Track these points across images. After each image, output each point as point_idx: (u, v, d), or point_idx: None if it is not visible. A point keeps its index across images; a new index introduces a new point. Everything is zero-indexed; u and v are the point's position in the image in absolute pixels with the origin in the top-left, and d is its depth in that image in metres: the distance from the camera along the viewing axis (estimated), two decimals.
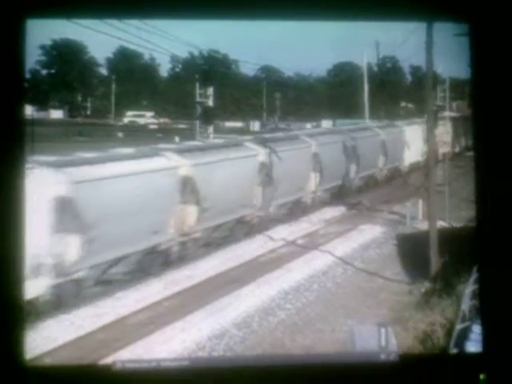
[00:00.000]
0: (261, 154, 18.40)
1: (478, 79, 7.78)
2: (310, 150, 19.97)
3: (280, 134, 21.79)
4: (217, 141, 19.44)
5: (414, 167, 22.38)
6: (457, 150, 22.57)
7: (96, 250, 12.57)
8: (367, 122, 26.30)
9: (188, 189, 15.31)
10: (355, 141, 21.93)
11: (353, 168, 21.50)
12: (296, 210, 19.50)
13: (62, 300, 12.28)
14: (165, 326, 12.50)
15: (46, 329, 11.79)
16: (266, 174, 18.08)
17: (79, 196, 12.35)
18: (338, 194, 21.27)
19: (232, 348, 12.04)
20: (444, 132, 21.28)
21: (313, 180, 19.90)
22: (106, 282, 13.24)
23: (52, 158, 13.17)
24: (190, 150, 16.55)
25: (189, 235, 15.38)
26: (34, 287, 11.28)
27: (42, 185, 11.66)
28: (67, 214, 12.16)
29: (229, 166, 16.75)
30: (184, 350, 11.74)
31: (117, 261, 13.33)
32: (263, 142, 18.84)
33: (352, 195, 21.36)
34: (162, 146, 16.88)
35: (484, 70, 7.75)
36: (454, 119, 23.09)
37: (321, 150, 20.11)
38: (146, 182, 14.05)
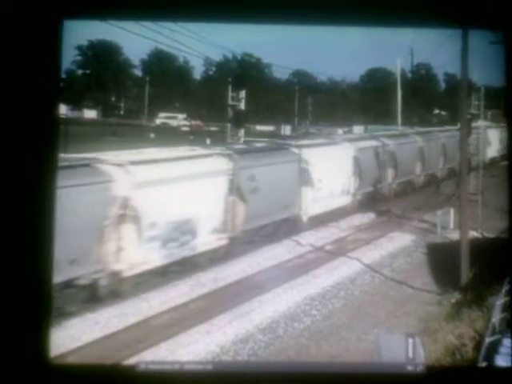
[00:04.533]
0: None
1: None
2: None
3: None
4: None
5: (493, 160, 23.84)
6: None
7: (361, 185, 21.52)
8: (400, 127, 26.57)
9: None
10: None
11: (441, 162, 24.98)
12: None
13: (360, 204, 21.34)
14: (189, 328, 12.49)
15: (71, 327, 11.88)
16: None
17: (359, 157, 21.29)
18: (375, 198, 22.62)
19: (256, 353, 11.96)
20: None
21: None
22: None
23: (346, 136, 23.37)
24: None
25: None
26: (344, 200, 20.74)
27: (347, 150, 21.13)
28: (356, 166, 21.22)
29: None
30: (208, 353, 11.70)
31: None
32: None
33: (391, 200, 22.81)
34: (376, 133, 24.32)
35: None
36: None
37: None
38: (372, 152, 22.35)
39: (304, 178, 18.37)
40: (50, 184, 7.31)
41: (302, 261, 17.00)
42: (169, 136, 27.25)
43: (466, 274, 15.04)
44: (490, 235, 17.49)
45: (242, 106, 23.21)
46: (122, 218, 12.95)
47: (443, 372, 8.39)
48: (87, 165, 13.17)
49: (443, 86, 30.21)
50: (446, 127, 27.33)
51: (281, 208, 17.45)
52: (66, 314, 11.72)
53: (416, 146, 24.53)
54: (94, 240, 12.35)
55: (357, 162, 21.14)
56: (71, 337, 11.37)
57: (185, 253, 14.36)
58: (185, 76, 31.15)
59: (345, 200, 20.45)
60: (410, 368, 8.19)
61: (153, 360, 10.14)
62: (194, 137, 27.77)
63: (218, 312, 13.20)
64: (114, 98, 32.16)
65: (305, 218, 18.40)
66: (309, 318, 13.52)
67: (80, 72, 29.88)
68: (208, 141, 25.33)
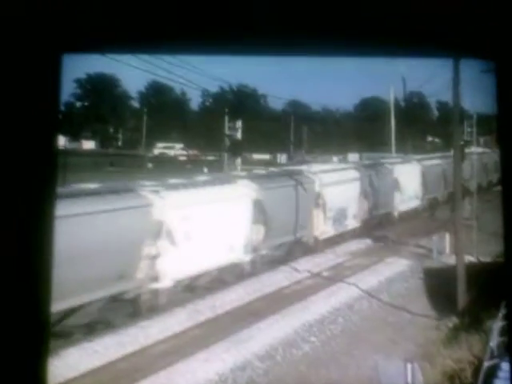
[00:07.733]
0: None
1: (505, 115, 7.77)
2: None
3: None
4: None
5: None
6: None
7: (426, 192, 28.00)
8: (393, 155, 27.29)
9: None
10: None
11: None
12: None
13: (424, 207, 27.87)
14: (188, 356, 12.40)
15: (69, 356, 11.79)
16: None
17: (425, 171, 27.75)
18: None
19: (255, 380, 11.87)
20: None
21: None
22: None
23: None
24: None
25: None
26: (416, 202, 27.91)
27: (417, 166, 27.61)
28: (423, 178, 27.50)
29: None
30: (207, 381, 11.61)
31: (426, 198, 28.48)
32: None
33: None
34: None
35: (510, 106, 7.74)
36: None
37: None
38: (434, 169, 28.24)
39: (395, 185, 25.62)
40: (49, 215, 7.40)
41: (300, 287, 16.99)
42: (166, 165, 27.41)
43: (462, 298, 15.05)
44: (485, 259, 17.52)
45: (239, 135, 23.44)
46: (317, 205, 21.27)
47: None
48: (301, 173, 21.73)
49: (436, 113, 30.63)
50: (441, 153, 27.71)
51: (384, 205, 25.01)
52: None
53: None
54: (307, 216, 20.69)
55: (424, 175, 27.37)
56: (69, 366, 11.28)
57: (341, 229, 22.40)
58: (182, 107, 31.55)
59: (417, 202, 27.29)
60: None
61: None
62: (191, 166, 27.95)
63: (216, 340, 13.15)
64: (112, 129, 32.47)
65: (396, 214, 25.87)
66: (307, 344, 13.46)
67: (79, 104, 30.24)
68: (205, 169, 25.50)
